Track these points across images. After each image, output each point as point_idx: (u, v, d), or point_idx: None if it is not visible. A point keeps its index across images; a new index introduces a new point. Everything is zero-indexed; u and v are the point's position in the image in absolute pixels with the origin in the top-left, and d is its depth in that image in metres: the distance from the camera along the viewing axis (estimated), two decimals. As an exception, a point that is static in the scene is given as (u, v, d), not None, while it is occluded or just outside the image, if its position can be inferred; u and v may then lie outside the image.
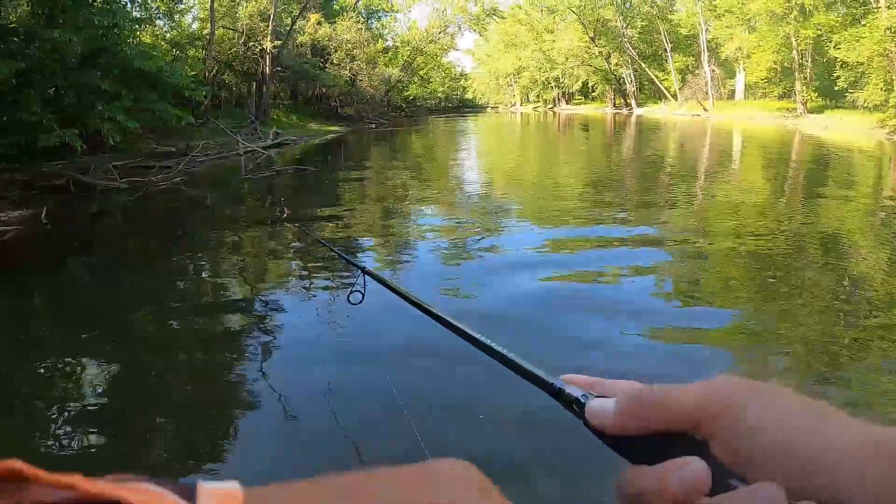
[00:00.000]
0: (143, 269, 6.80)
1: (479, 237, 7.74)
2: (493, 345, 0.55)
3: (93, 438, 3.26)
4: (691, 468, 0.32)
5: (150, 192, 11.80)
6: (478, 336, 0.59)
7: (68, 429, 3.32)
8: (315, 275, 6.16)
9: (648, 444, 0.36)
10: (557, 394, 0.44)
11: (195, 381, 3.98)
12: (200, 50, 23.08)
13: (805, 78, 31.23)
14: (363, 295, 1.69)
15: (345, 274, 5.73)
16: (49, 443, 3.20)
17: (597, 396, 0.41)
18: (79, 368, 4.06)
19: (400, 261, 6.86)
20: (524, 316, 4.86)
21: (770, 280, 5.88)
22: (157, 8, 20.44)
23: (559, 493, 2.80)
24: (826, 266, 6.34)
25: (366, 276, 1.63)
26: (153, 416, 3.45)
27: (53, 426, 3.34)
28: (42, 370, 4.08)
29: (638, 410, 0.37)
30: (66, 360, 4.22)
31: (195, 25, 24.74)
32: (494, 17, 56.04)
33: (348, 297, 1.74)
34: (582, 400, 0.41)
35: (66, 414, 3.46)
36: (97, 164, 12.85)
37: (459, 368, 3.70)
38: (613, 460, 0.38)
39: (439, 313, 0.72)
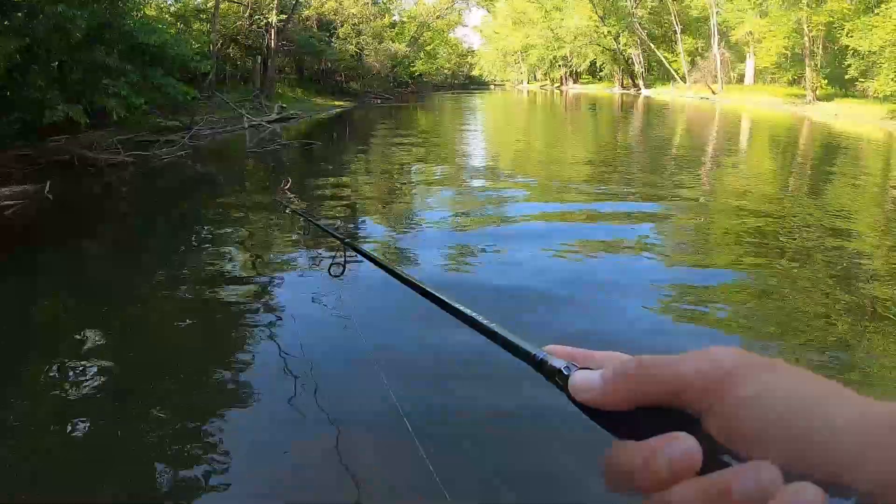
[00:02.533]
0: (144, 244, 6.85)
1: (482, 212, 7.80)
2: (474, 314, 0.54)
3: (96, 416, 3.27)
4: (681, 445, 0.30)
5: (155, 167, 11.79)
6: (458, 306, 0.58)
7: (72, 407, 3.34)
8: (317, 249, 6.18)
9: (635, 418, 0.35)
10: (539, 365, 0.42)
11: (197, 354, 4.03)
12: (205, 23, 22.85)
13: (815, 65, 30.86)
14: (344, 267, 1.69)
15: (352, 237, 5.72)
16: (52, 420, 3.23)
17: (581, 368, 0.39)
18: (82, 344, 4.08)
19: (403, 232, 6.93)
20: (522, 287, 4.95)
21: (773, 258, 5.98)
22: (162, -19, 20.23)
23: (542, 468, 2.80)
24: (830, 247, 6.38)
25: (346, 248, 1.63)
26: (150, 395, 3.47)
27: (56, 403, 3.38)
28: (43, 346, 4.12)
29: (624, 383, 0.35)
30: (69, 334, 4.26)
31: (199, -1, 24.50)
32: (503, -7, 55.44)
33: (329, 269, 1.74)
34: (565, 372, 0.40)
35: (68, 391, 3.51)
36: (101, 139, 12.82)
37: (441, 336, 3.75)
38: (599, 435, 0.36)
39: (419, 283, 0.72)
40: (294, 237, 6.67)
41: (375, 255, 1.03)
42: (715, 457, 0.30)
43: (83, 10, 11.70)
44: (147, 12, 17.59)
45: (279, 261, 5.91)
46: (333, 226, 6.05)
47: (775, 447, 0.29)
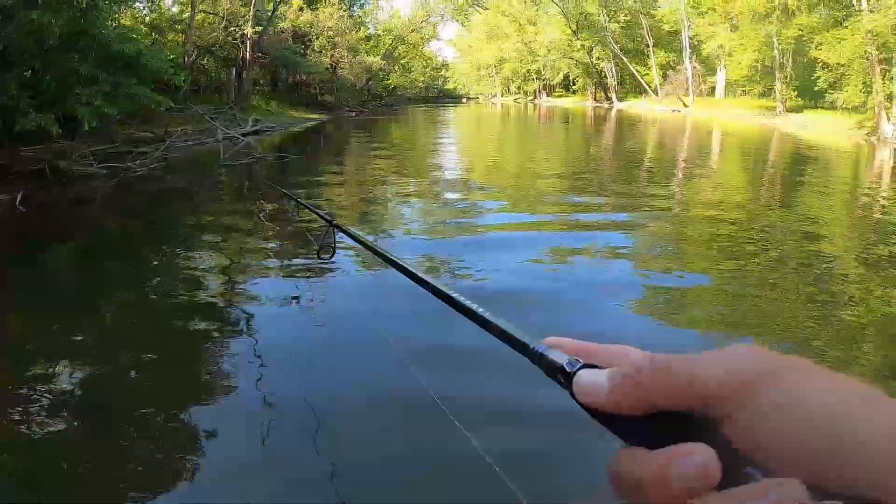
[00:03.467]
0: (118, 255, 6.66)
1: (456, 221, 7.75)
2: (466, 301, 0.51)
3: (64, 432, 3.12)
4: (697, 457, 0.27)
5: (128, 179, 11.54)
6: (450, 292, 0.54)
7: (40, 420, 3.18)
8: (294, 259, 6.05)
9: (646, 424, 0.32)
10: (539, 359, 0.39)
11: (171, 368, 3.87)
12: (180, 34, 22.60)
13: (785, 77, 31.48)
14: (334, 249, 1.64)
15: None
16: (20, 433, 3.07)
17: (586, 365, 0.36)
18: (51, 357, 3.90)
19: (377, 245, 6.80)
20: (497, 293, 4.94)
21: (746, 261, 6.10)
22: (137, -10, 19.99)
23: (541, 470, 2.74)
24: (799, 253, 6.52)
25: (335, 230, 1.58)
26: (131, 406, 3.33)
27: (25, 417, 3.20)
28: (13, 358, 3.93)
29: (635, 387, 0.31)
30: (38, 347, 4.07)
31: (175, 9, 24.22)
32: (477, 7, 55.91)
33: (318, 252, 1.69)
34: (568, 369, 0.36)
35: (37, 405, 3.32)
36: (74, 149, 12.54)
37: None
38: (604, 436, 0.34)
39: (410, 268, 0.68)
40: (269, 245, 6.54)
41: (363, 236, 0.97)
42: (734, 470, 0.27)
43: (58, 17, 11.49)
44: (122, 21, 17.34)
45: (253, 274, 5.75)
46: (315, 234, 5.90)
47: (803, 461, 0.26)
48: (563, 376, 0.36)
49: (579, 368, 0.35)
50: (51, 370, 3.70)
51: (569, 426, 2.79)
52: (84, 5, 12.23)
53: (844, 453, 0.25)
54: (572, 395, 0.35)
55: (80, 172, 11.47)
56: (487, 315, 0.46)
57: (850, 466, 0.25)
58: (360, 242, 0.98)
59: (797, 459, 0.26)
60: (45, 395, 3.39)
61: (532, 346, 0.39)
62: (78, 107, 12.25)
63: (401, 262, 0.71)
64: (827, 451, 0.26)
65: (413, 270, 0.67)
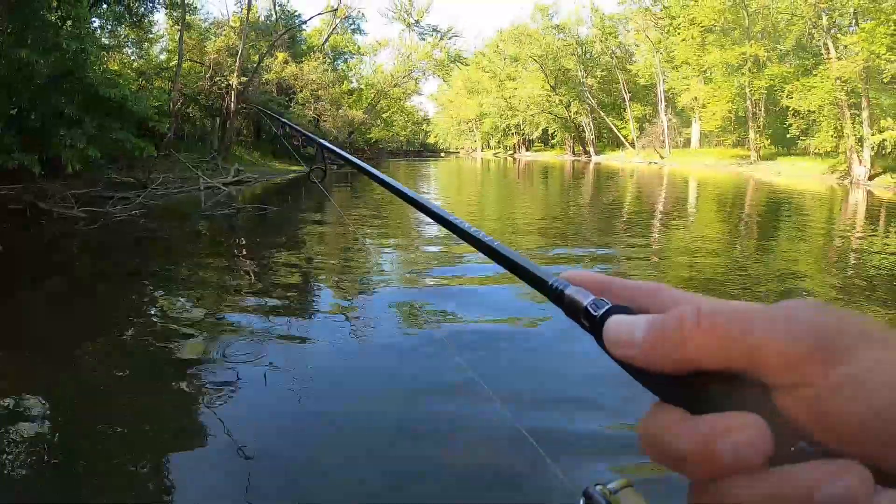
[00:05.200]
0: (93, 300, 6.43)
1: (434, 272, 7.61)
2: (472, 230, 0.44)
3: (38, 472, 2.96)
4: (749, 429, 0.24)
5: (108, 223, 11.39)
6: (454, 219, 0.47)
7: (12, 460, 3.02)
8: (274, 306, 5.91)
9: (688, 383, 0.27)
10: (559, 298, 0.33)
11: (144, 416, 3.64)
12: (167, 81, 22.83)
13: (758, 126, 32.41)
14: (325, 172, 1.62)
15: (305, 304, 5.50)
16: None
17: (615, 306, 0.31)
18: (19, 403, 3.69)
19: (359, 296, 6.65)
20: (472, 343, 4.75)
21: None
22: (127, 36, 20.24)
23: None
24: (778, 292, 6.54)
25: (325, 151, 1.57)
26: (101, 457, 3.14)
27: None
28: None
29: (678, 341, 0.27)
30: (3, 392, 3.86)
31: (163, 56, 24.53)
32: (458, 63, 57.21)
33: (309, 175, 1.63)
34: (592, 311, 0.31)
35: (9, 447, 3.15)
36: (55, 190, 12.45)
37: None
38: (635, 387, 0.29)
39: (406, 191, 0.59)
40: (247, 297, 6.35)
41: (355, 159, 0.91)
42: (786, 444, 0.24)
43: (46, 57, 11.58)
44: (110, 66, 17.50)
45: (228, 326, 5.55)
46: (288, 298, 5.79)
47: (875, 445, 0.23)
48: (587, 320, 0.31)
49: (606, 311, 0.30)
50: (18, 416, 3.51)
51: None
52: (74, 48, 12.35)
53: None
54: (599, 342, 0.30)
55: (61, 214, 11.35)
56: (496, 245, 0.40)
57: None
58: (351, 163, 0.92)
59: (867, 443, 0.23)
60: (11, 443, 3.21)
61: (550, 282, 0.34)
62: (62, 148, 12.25)
63: (397, 186, 0.62)
64: None
65: (408, 192, 0.58)
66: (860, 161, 22.33)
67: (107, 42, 15.44)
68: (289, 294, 6.44)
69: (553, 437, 3.00)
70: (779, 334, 0.25)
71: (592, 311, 0.31)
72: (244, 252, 8.98)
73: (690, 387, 0.27)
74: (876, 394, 0.23)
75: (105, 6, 15.89)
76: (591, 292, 0.32)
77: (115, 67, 19.10)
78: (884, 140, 20.64)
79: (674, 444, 0.26)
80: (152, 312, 5.90)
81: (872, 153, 22.02)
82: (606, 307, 0.31)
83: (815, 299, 0.24)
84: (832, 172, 23.81)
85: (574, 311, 0.32)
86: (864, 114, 22.14)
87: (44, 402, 3.76)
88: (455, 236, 0.46)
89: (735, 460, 0.24)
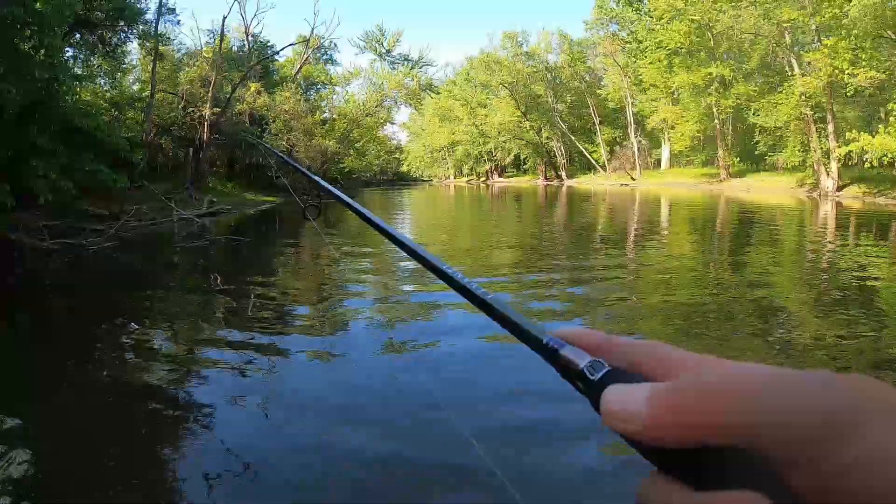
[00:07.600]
0: (68, 333, 6.23)
1: (411, 301, 7.53)
2: (465, 280, 0.42)
3: None
4: None
5: (81, 256, 11.14)
6: (445, 267, 0.45)
7: None
8: (249, 337, 5.81)
9: (689, 456, 0.25)
10: (552, 356, 0.31)
11: (119, 454, 3.52)
12: (139, 112, 22.67)
13: (727, 144, 33.11)
14: (319, 210, 1.62)
15: (281, 334, 5.35)
16: None
17: (613, 369, 0.29)
18: None
19: (336, 326, 6.56)
20: (453, 374, 4.65)
21: (698, 320, 6.03)
22: (100, 66, 20.10)
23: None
24: (752, 306, 6.56)
25: (320, 189, 1.56)
26: (82, 486, 3.02)
27: None
28: None
29: (683, 416, 0.25)
30: None
31: (136, 87, 24.38)
32: (430, 92, 57.73)
33: (303, 213, 1.65)
34: (589, 375, 0.29)
35: None
36: (26, 221, 12.20)
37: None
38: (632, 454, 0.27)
39: (400, 238, 0.56)
40: (222, 331, 6.20)
41: (348, 199, 0.89)
42: None
43: (19, 87, 11.42)
44: (83, 96, 17.33)
45: (206, 353, 5.44)
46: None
47: None
48: (582, 382, 0.29)
49: (603, 375, 0.29)
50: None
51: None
52: (46, 77, 12.21)
53: None
54: (594, 406, 0.28)
55: (32, 246, 11.11)
56: (489, 298, 0.38)
57: None
58: (345, 203, 0.89)
59: None
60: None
61: (545, 341, 0.32)
62: (33, 179, 12.04)
63: (391, 231, 0.59)
64: None
65: (401, 239, 0.56)
66: (828, 173, 22.88)
67: (80, 72, 15.26)
68: (264, 325, 6.30)
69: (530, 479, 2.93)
70: (786, 409, 0.23)
71: (589, 375, 0.29)
72: (219, 284, 8.80)
73: (691, 461, 0.25)
74: (891, 474, 0.21)
75: (78, 36, 15.79)
76: (587, 351, 0.30)
77: (88, 97, 18.91)
78: (850, 151, 21.21)
79: None
80: (127, 346, 5.71)
81: (839, 165, 22.57)
82: (603, 371, 0.29)
83: (826, 370, 0.23)
84: (801, 186, 24.37)
85: (568, 372, 0.30)
86: (830, 127, 22.75)
87: (19, 437, 3.60)
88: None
89: None
